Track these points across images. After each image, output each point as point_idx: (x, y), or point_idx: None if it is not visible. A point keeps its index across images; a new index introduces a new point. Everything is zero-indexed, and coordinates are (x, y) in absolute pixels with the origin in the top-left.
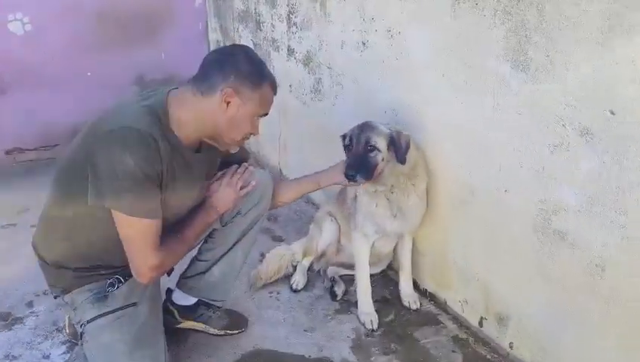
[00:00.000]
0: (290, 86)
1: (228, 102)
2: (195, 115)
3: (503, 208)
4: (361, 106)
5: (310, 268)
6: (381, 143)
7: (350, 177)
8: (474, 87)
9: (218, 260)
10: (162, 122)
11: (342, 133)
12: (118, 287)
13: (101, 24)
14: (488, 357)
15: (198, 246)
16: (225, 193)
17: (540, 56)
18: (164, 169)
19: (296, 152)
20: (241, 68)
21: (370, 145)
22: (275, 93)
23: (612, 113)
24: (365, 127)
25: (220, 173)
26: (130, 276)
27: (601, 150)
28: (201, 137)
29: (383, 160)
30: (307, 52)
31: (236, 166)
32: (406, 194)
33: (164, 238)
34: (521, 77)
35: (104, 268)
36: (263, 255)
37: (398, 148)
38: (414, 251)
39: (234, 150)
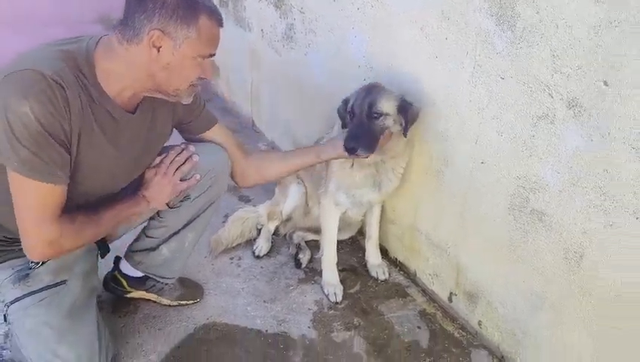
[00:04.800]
0: (262, 30)
1: (159, 48)
2: (125, 67)
3: (478, 181)
4: (335, 59)
5: (276, 233)
6: (389, 107)
7: (350, 150)
8: (454, 45)
9: (167, 240)
10: (84, 72)
11: (344, 97)
12: (42, 264)
13: None
14: (455, 334)
15: (148, 220)
16: (159, 186)
17: (529, 12)
18: (75, 128)
19: (269, 103)
20: (166, 3)
21: (376, 112)
22: (219, 25)
23: (606, 84)
24: (371, 89)
25: (158, 159)
26: None
27: (589, 126)
28: (140, 92)
29: (394, 122)
30: None
31: (178, 149)
32: (396, 164)
33: (73, 213)
34: (507, 36)
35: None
36: (226, 216)
37: (407, 117)
38: (384, 219)
39: (186, 100)
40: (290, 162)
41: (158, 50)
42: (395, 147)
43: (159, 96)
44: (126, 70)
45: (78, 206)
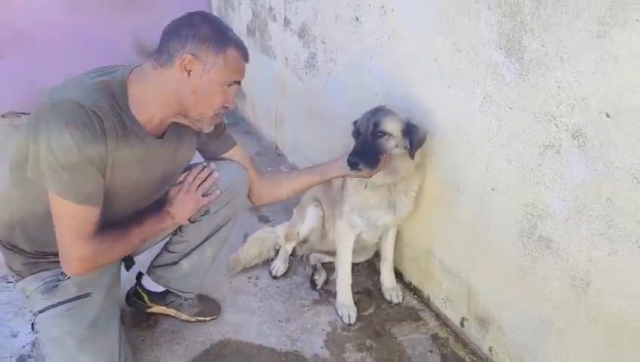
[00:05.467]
0: (286, 58)
1: (189, 71)
2: (157, 90)
3: (488, 207)
4: (353, 87)
5: (293, 253)
6: (394, 128)
7: (353, 165)
8: (465, 75)
9: (187, 254)
10: (118, 101)
11: (354, 120)
12: (70, 276)
13: None
14: (467, 359)
15: (170, 235)
16: (183, 202)
17: (534, 45)
18: (110, 152)
19: (292, 128)
20: (199, 31)
21: (381, 130)
22: (245, 59)
23: (608, 116)
24: (377, 111)
25: (181, 176)
26: None
27: (593, 156)
28: (168, 117)
29: (396, 146)
30: (302, 24)
31: (200, 166)
32: (408, 187)
33: (106, 230)
34: (515, 68)
35: (54, 254)
36: (246, 236)
37: (413, 140)
38: (400, 242)
39: (207, 129)
40: (298, 182)
41: (189, 74)
42: (404, 169)
43: (184, 121)
44: (157, 95)
45: (109, 224)
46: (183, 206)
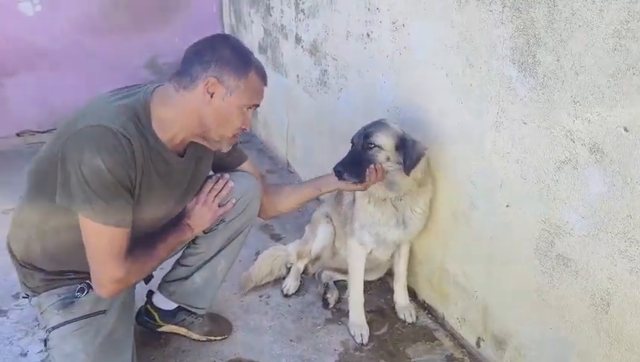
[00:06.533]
0: (297, 76)
1: (212, 94)
2: (179, 111)
3: (503, 224)
4: (365, 103)
5: (305, 271)
6: (385, 141)
7: (337, 173)
8: (478, 90)
9: (200, 267)
10: (142, 122)
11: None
12: (87, 293)
13: (113, 6)
14: None
15: (182, 249)
16: (200, 212)
17: (549, 59)
18: (139, 174)
19: (303, 145)
20: (222, 55)
21: (370, 142)
22: (264, 83)
23: (626, 130)
24: (373, 123)
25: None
26: None
27: (612, 171)
28: (188, 137)
29: (388, 160)
30: (314, 41)
31: (215, 178)
32: (414, 203)
33: (133, 250)
34: (529, 82)
35: (74, 272)
36: (257, 254)
37: (408, 154)
38: (413, 259)
39: (226, 149)
40: (298, 196)
41: (212, 96)
42: (404, 184)
43: (204, 142)
44: (178, 116)
45: (134, 241)
46: (201, 217)
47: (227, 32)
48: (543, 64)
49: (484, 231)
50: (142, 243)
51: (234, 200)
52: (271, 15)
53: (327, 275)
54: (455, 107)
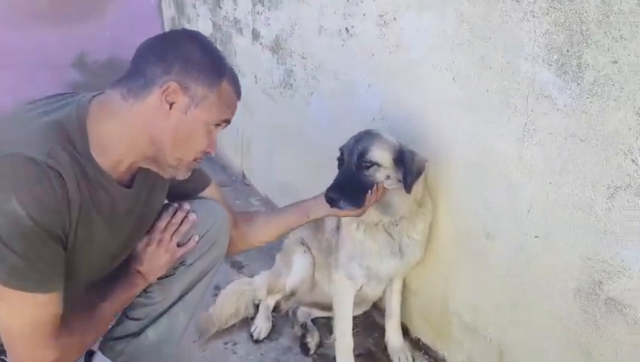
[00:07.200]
0: (255, 76)
1: (171, 104)
2: (125, 128)
3: (529, 259)
4: (342, 109)
5: (276, 309)
6: (383, 156)
7: (330, 200)
8: (497, 98)
9: (155, 320)
10: (76, 146)
11: (340, 146)
12: None
13: None
14: None
15: None
16: (155, 255)
17: (602, 60)
18: (74, 214)
19: (262, 155)
20: (189, 55)
21: (367, 160)
22: (238, 95)
23: None
24: (364, 136)
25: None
26: None
27: None
28: (137, 162)
29: (388, 178)
30: (276, 37)
31: (172, 210)
32: (412, 228)
33: (67, 319)
34: (572, 89)
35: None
36: (218, 288)
37: (408, 169)
38: (405, 289)
39: (182, 176)
40: (276, 226)
41: (170, 107)
42: (402, 205)
43: (154, 167)
44: (125, 134)
45: (69, 303)
46: (156, 261)
47: (167, 26)
48: (593, 67)
49: (503, 264)
50: (79, 306)
51: (197, 238)
52: (221, 7)
53: (304, 312)
54: (465, 116)
